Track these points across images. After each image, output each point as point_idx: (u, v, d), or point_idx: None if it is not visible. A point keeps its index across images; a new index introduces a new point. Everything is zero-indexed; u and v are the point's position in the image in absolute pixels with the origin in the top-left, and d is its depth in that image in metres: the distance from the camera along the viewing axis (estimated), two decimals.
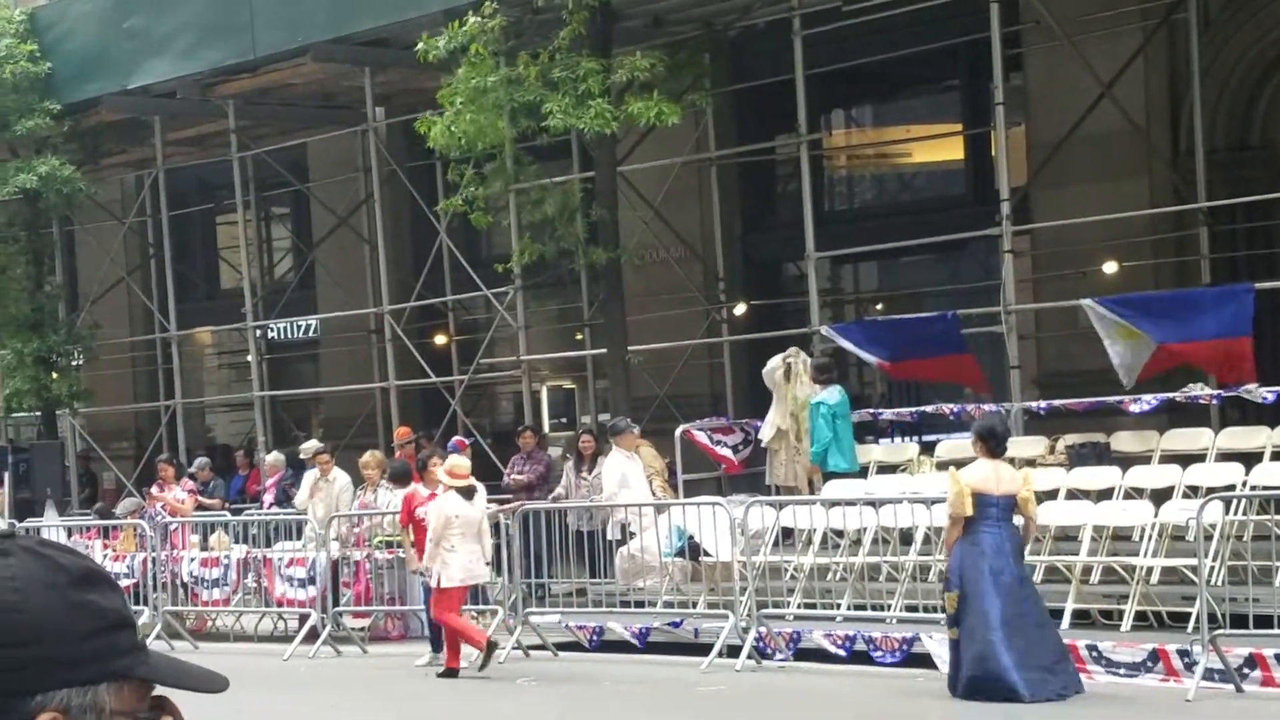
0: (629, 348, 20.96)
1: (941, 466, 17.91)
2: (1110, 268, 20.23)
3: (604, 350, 21.29)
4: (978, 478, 12.84)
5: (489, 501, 17.11)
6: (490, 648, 15.26)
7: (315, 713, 14.23)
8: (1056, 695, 12.58)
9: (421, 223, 25.77)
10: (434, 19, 20.10)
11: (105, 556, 20.38)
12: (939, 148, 24.27)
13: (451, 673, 15.40)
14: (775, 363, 18.58)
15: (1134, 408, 17.12)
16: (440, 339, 26.47)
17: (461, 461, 16.22)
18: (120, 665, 1.85)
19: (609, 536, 17.79)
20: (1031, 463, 17.50)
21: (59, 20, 26.45)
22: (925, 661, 14.22)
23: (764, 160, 24.25)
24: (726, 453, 19.64)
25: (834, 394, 17.82)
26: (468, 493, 15.62)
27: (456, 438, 22.03)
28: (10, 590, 1.81)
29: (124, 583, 19.82)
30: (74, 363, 28.45)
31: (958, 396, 20.60)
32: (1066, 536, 16.18)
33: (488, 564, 16.10)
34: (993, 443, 13.02)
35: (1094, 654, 13.82)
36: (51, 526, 23.11)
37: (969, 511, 12.66)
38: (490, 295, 23.47)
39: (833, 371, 18.53)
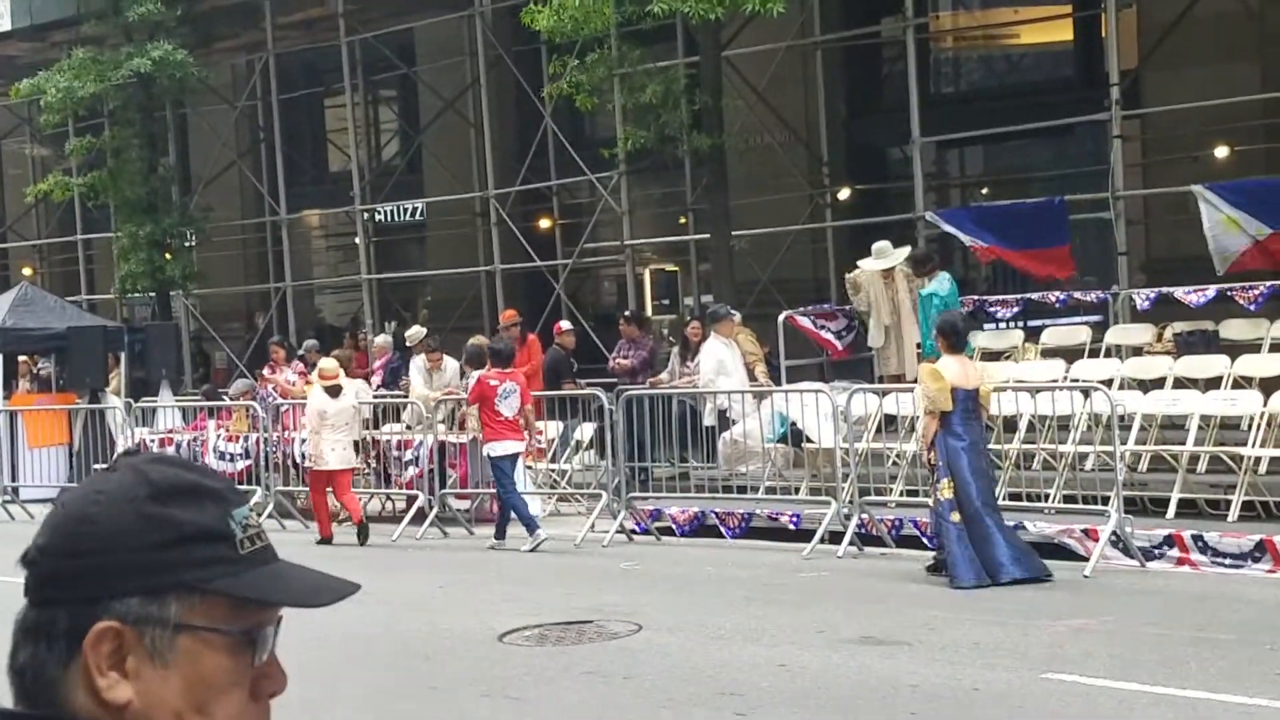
0: (733, 232, 20.98)
1: (1047, 354, 17.90)
2: (1222, 152, 19.97)
3: (707, 235, 21.33)
4: (952, 373, 13.40)
5: (588, 384, 17.44)
6: (363, 528, 17.36)
7: (427, 591, 14.55)
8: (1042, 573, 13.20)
9: (527, 107, 25.82)
10: None
11: (219, 436, 20.81)
12: (1047, 30, 23.92)
13: (326, 541, 17.65)
14: (867, 273, 18.49)
15: (1243, 301, 16.95)
16: (544, 223, 26.60)
17: (328, 363, 18.57)
18: (191, 576, 1.85)
19: (706, 423, 17.92)
20: (1139, 350, 17.45)
21: None
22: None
23: (869, 44, 24.05)
24: (830, 338, 19.67)
25: (944, 284, 17.78)
26: (334, 391, 17.81)
27: (558, 322, 22.25)
28: (92, 503, 1.87)
29: (239, 464, 20.26)
30: (187, 245, 28.88)
31: (1063, 283, 20.48)
32: (1173, 425, 16.13)
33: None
34: (954, 338, 13.63)
35: (1200, 544, 13.84)
36: (165, 406, 23.62)
37: (949, 406, 13.26)
38: (594, 179, 23.54)
39: (935, 260, 18.49)
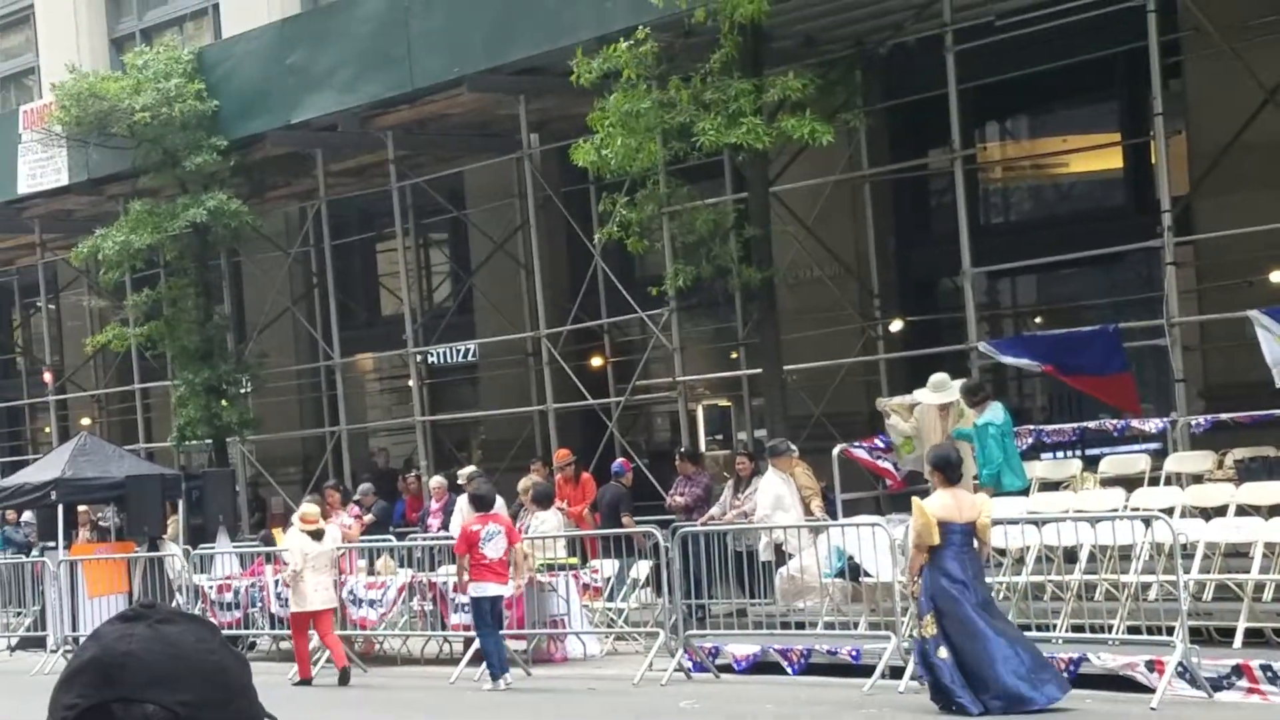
0: (784, 366, 20.96)
1: (1106, 483, 17.70)
2: (1277, 277, 19.86)
3: (759, 369, 21.31)
4: (940, 506, 13.45)
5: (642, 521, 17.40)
6: (344, 672, 17.97)
7: None
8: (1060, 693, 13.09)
9: (577, 246, 25.98)
10: (587, 46, 20.26)
11: (276, 582, 20.75)
12: (1096, 158, 23.95)
13: (305, 682, 18.21)
14: (922, 405, 18.41)
15: None
16: (597, 361, 26.66)
17: (309, 509, 19.37)
18: (261, 708, 2.01)
19: (762, 558, 17.80)
20: (1199, 478, 17.25)
21: (224, 59, 27.12)
22: (1093, 682, 14.05)
23: (918, 175, 24.14)
24: (889, 466, 19.52)
25: (998, 413, 17.64)
26: (316, 535, 18.69)
27: (620, 459, 22.25)
28: (211, 652, 1.95)
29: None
30: (243, 391, 29.04)
31: (1121, 411, 20.32)
32: (1237, 553, 15.89)
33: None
34: (949, 471, 13.70)
35: (1268, 674, 13.56)
36: (223, 552, 23.63)
37: (936, 540, 13.26)
38: (645, 317, 23.60)
39: (986, 390, 18.39)
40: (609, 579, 19.53)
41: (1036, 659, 13.39)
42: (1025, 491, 17.55)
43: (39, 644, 22.89)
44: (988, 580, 16.27)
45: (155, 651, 1.92)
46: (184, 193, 26.89)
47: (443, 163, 27.76)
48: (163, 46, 27.62)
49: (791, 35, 21.35)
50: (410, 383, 27.33)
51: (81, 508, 25.16)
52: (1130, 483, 17.51)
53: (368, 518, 23.64)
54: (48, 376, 33.29)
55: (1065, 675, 14.19)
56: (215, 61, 27.03)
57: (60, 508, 23.91)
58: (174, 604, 21.58)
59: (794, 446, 18.80)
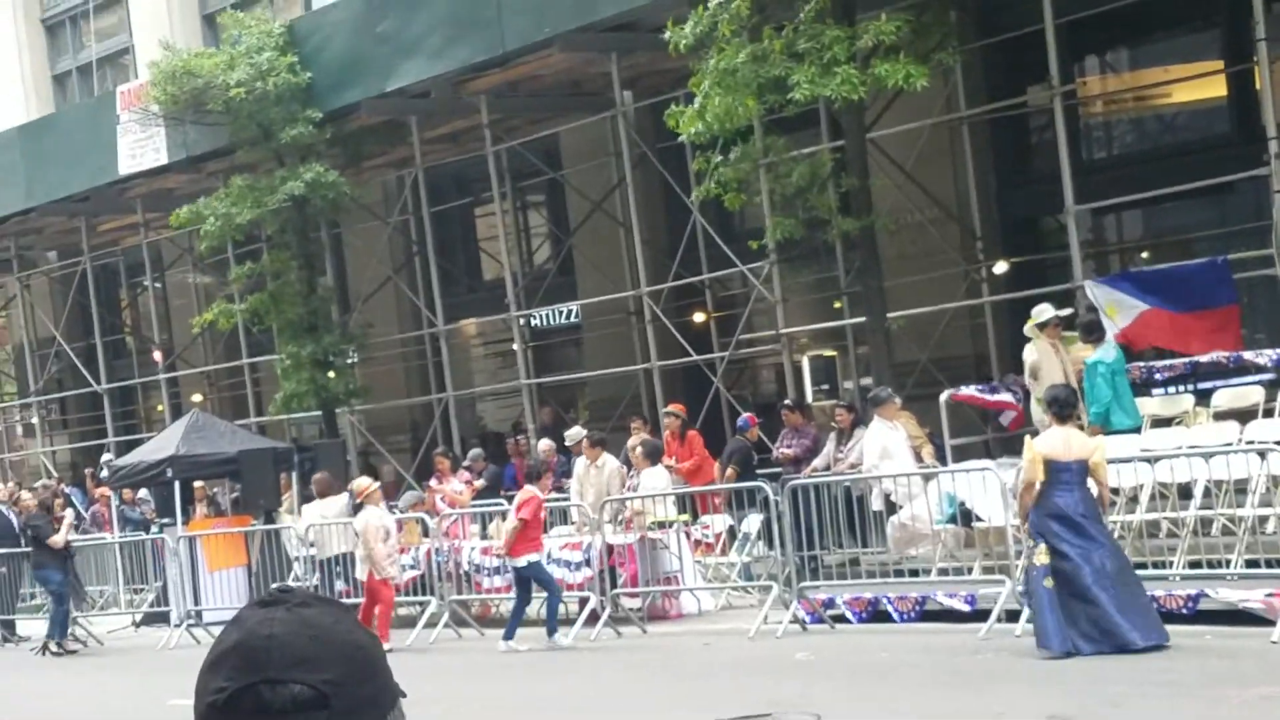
0: (888, 314, 20.80)
1: (1219, 417, 17.44)
2: None
3: (863, 318, 21.17)
4: (1048, 444, 13.50)
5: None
6: None
7: (605, 690, 14.46)
8: (1161, 640, 13.01)
9: (674, 202, 25.91)
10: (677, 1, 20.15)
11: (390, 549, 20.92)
12: (1199, 87, 23.51)
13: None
14: (1039, 347, 18.17)
15: None
16: (699, 317, 26.60)
17: (360, 481, 20.37)
18: (396, 684, 2.08)
19: (873, 507, 17.72)
20: None
21: (315, 30, 27.23)
22: (1212, 618, 13.89)
23: (1017, 114, 23.82)
24: (1007, 398, 19.31)
25: (1110, 351, 17.44)
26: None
27: (746, 414, 22.23)
28: (349, 630, 2.02)
29: (410, 573, 20.39)
30: (349, 361, 29.26)
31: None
32: None
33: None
34: (1057, 408, 13.73)
35: None
36: (338, 523, 23.82)
37: (1040, 477, 13.30)
38: (746, 270, 23.50)
39: (1102, 328, 18.15)
40: (720, 534, 19.53)
41: (1144, 615, 13.26)
42: (1138, 429, 17.32)
43: (163, 619, 23.27)
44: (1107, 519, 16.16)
45: (297, 634, 1.99)
46: (281, 166, 27.07)
47: (536, 124, 27.76)
48: (254, 20, 27.75)
49: None
50: (514, 346, 27.42)
51: (197, 484, 25.50)
52: (1244, 416, 17.25)
53: (479, 483, 23.78)
54: (157, 355, 33.69)
55: (1184, 611, 14.06)
56: (306, 33, 27.14)
57: (177, 484, 24.25)
58: (291, 575, 21.84)
59: (894, 395, 18.63)
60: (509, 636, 17.37)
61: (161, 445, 25.17)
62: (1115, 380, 17.22)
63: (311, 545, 21.13)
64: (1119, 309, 18.79)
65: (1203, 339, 18.54)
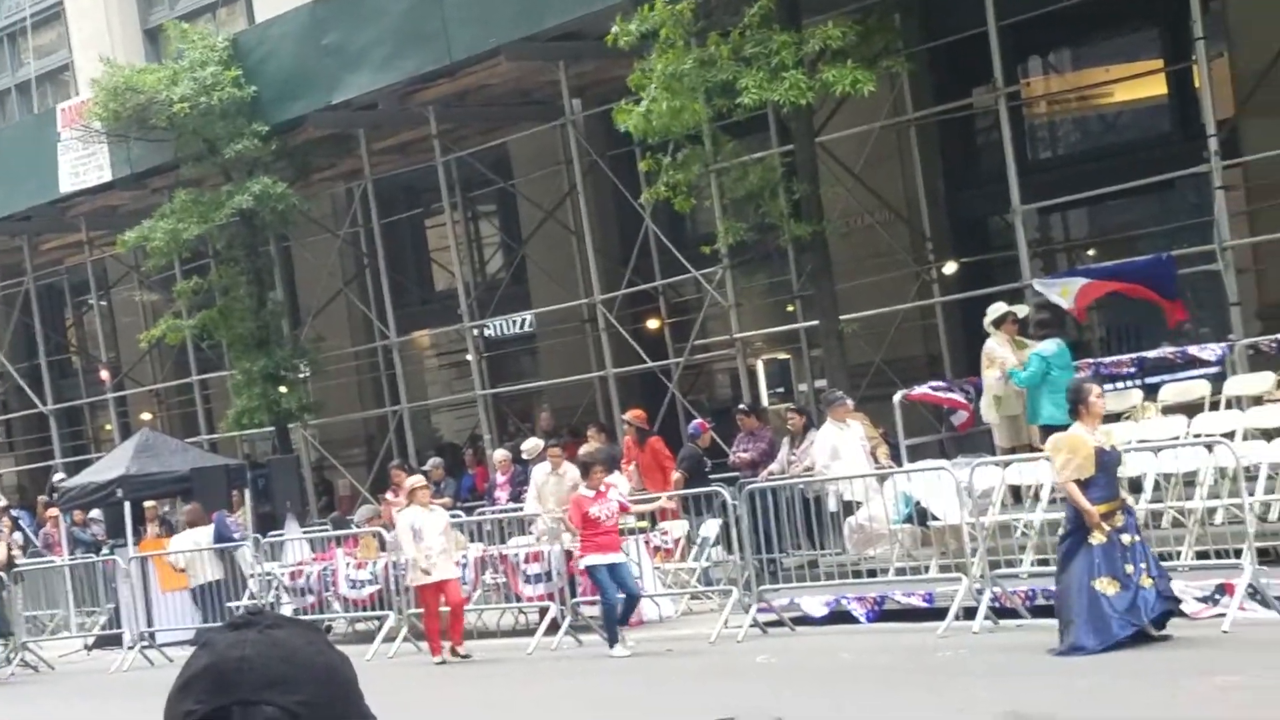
0: (841, 316, 20.92)
1: (1167, 411, 17.62)
2: None
3: (816, 321, 21.27)
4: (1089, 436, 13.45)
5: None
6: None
7: (575, 701, 14.49)
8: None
9: (626, 210, 25.97)
10: (623, 7, 20.21)
11: (348, 564, 20.88)
12: (1140, 86, 23.73)
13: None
14: (998, 349, 18.32)
15: None
16: (653, 323, 26.65)
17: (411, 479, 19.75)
18: (368, 707, 2.08)
19: (830, 509, 17.81)
20: (1259, 400, 17.16)
21: (260, 43, 27.14)
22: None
23: (963, 116, 23.98)
24: (959, 396, 19.44)
25: (1050, 345, 17.64)
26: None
27: (697, 420, 22.28)
28: (320, 653, 2.02)
29: (368, 589, 20.35)
30: (301, 376, 29.13)
31: (1178, 338, 20.22)
32: None
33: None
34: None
35: None
36: (292, 539, 23.77)
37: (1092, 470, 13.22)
38: (699, 276, 23.58)
39: (1051, 328, 18.34)
40: (679, 540, 19.58)
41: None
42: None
43: (115, 642, 22.99)
44: (1059, 515, 16.31)
45: (269, 656, 1.98)
46: (227, 181, 26.96)
47: (486, 134, 27.76)
48: (198, 35, 27.63)
49: None
50: (468, 356, 27.40)
51: (148, 503, 25.33)
52: (1191, 409, 17.45)
53: (444, 499, 23.69)
54: (104, 374, 33.47)
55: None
56: (251, 47, 27.06)
57: (127, 505, 24.09)
58: (246, 593, 21.76)
59: (845, 397, 18.73)
60: (613, 642, 16.84)
61: (111, 465, 25.03)
62: (1051, 374, 17.41)
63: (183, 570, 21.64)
64: (1070, 288, 18.97)
65: (1145, 296, 18.68)
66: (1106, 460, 13.24)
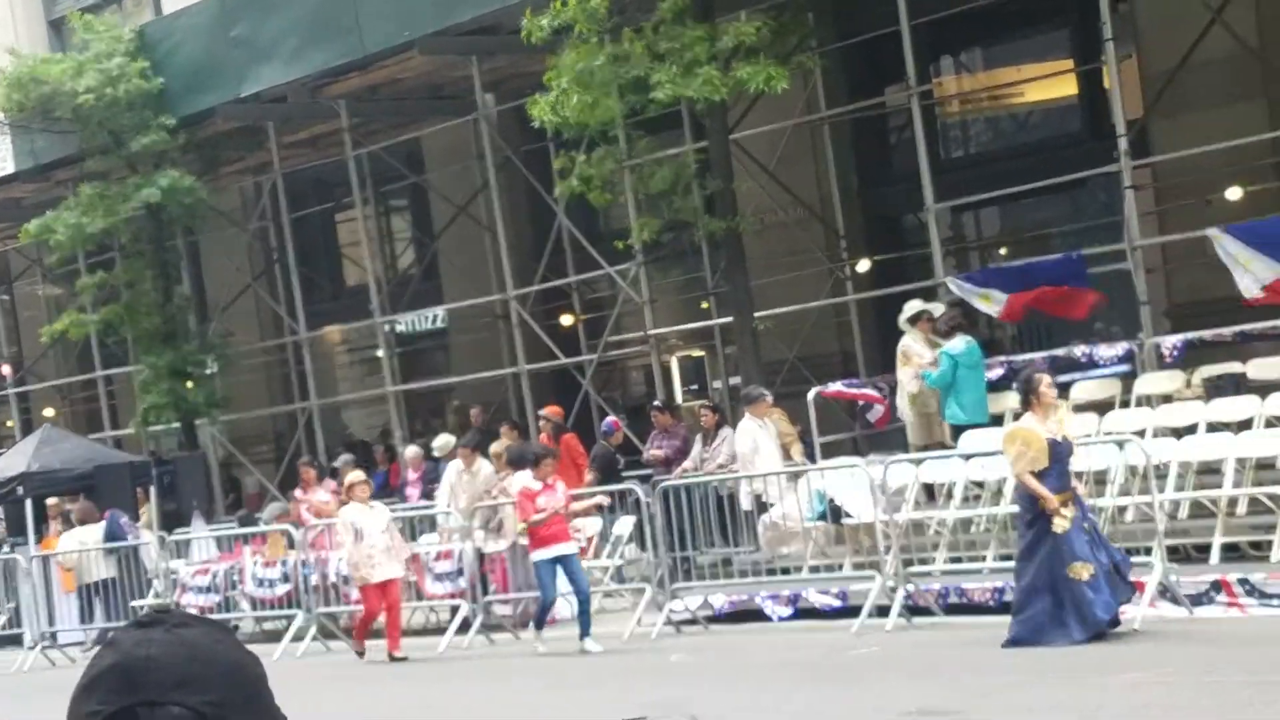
0: (755, 313, 20.91)
1: (1078, 409, 17.73)
2: (1235, 194, 19.87)
3: (730, 318, 21.26)
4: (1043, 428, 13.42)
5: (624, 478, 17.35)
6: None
7: (486, 701, 14.37)
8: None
9: (540, 206, 25.86)
10: (536, 2, 20.11)
11: (255, 562, 20.65)
12: (1051, 86, 23.91)
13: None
14: (914, 346, 18.38)
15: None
16: (567, 319, 26.55)
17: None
18: (279, 707, 2.06)
19: (743, 507, 17.80)
20: (1169, 398, 17.31)
21: (167, 35, 26.83)
22: None
23: (876, 114, 24.06)
24: (873, 392, 19.47)
25: (959, 344, 17.72)
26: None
27: (610, 418, 22.20)
28: (227, 650, 1.99)
29: (279, 589, 20.12)
30: (209, 371, 28.78)
31: (1089, 336, 20.38)
32: (1210, 470, 15.96)
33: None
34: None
35: (1246, 587, 13.68)
36: (199, 537, 23.48)
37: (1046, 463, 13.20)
38: (613, 272, 23.50)
39: (962, 326, 18.41)
40: (592, 538, 19.49)
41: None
42: (996, 423, 17.50)
43: (16, 642, 22.59)
44: (972, 513, 16.39)
45: (176, 655, 1.94)
46: (133, 174, 26.61)
47: (398, 128, 27.55)
48: (103, 26, 27.25)
49: None
50: (379, 353, 27.20)
51: (50, 501, 24.92)
52: (1102, 407, 17.58)
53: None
54: (6, 369, 32.97)
55: None
56: (158, 38, 26.72)
57: (29, 502, 23.72)
58: (151, 592, 21.47)
59: (767, 392, 18.76)
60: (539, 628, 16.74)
61: (12, 462, 24.64)
62: (959, 372, 17.49)
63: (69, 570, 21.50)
64: (990, 299, 19.06)
65: (1060, 305, 18.79)
66: (1059, 451, 13.21)
